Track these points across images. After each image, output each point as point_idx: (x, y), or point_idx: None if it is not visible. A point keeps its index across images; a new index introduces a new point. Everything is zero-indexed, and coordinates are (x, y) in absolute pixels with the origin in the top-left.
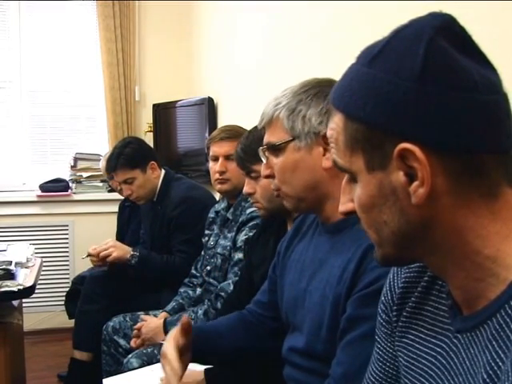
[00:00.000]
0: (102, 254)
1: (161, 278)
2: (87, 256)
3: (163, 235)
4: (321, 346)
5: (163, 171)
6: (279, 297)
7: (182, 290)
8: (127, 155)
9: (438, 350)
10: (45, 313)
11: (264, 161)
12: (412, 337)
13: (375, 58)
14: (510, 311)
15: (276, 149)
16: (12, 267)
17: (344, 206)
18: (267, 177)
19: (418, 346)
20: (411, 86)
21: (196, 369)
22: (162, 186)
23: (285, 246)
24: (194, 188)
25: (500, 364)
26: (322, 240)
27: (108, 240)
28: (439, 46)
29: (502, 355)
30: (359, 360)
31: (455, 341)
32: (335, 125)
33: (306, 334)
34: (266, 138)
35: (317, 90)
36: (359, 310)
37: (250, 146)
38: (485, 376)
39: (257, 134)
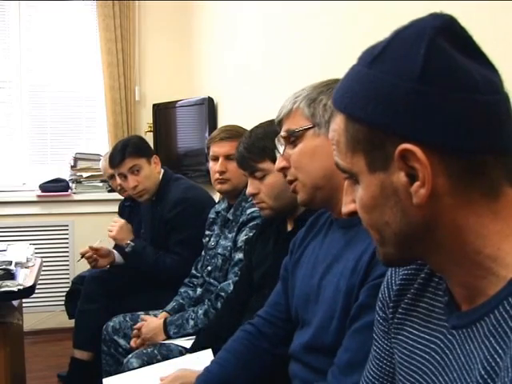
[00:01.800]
0: (108, 228)
1: (151, 274)
2: (82, 257)
3: (162, 236)
4: (329, 337)
5: (162, 170)
6: (290, 293)
7: (182, 289)
8: (134, 144)
9: (433, 346)
10: (45, 313)
11: (281, 151)
12: (407, 333)
13: (376, 58)
14: (508, 308)
15: (295, 136)
16: (12, 267)
17: (347, 207)
18: (282, 169)
19: (412, 342)
20: (412, 87)
21: (194, 369)
22: (161, 185)
23: (297, 243)
24: (191, 189)
25: (498, 360)
26: (336, 236)
27: (120, 220)
28: (440, 46)
29: (500, 351)
30: (366, 348)
31: (450, 337)
32: (337, 126)
33: (315, 326)
34: (285, 128)
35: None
36: (370, 298)
37: (253, 145)
38: (482, 372)
39: (259, 133)
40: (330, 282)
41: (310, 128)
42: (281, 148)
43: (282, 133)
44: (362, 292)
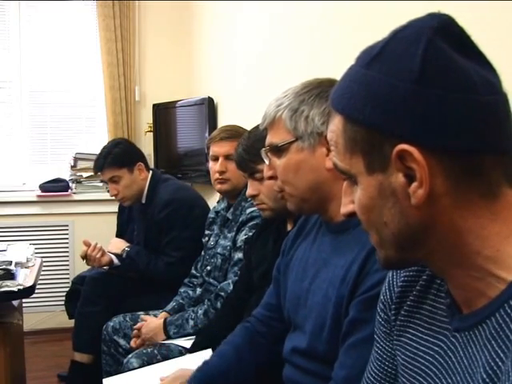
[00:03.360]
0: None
1: (145, 279)
2: (84, 258)
3: (153, 237)
4: (322, 346)
5: (150, 172)
6: (282, 295)
7: (182, 289)
8: (115, 154)
9: (436, 348)
10: (45, 313)
11: (266, 162)
12: (410, 335)
13: (374, 59)
14: (509, 311)
15: (279, 150)
16: (12, 267)
17: (345, 207)
18: (270, 178)
19: (415, 344)
20: (410, 88)
21: (194, 369)
22: (150, 187)
23: (289, 244)
24: (180, 189)
25: (500, 364)
26: (326, 240)
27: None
28: (438, 46)
29: (502, 355)
30: (362, 363)
31: (453, 339)
32: (335, 127)
33: (309, 334)
34: (269, 139)
35: (319, 90)
36: (362, 313)
37: (252, 146)
38: (484, 376)
39: (258, 134)
40: (318, 287)
41: (292, 142)
42: (266, 159)
43: (266, 146)
44: (353, 306)
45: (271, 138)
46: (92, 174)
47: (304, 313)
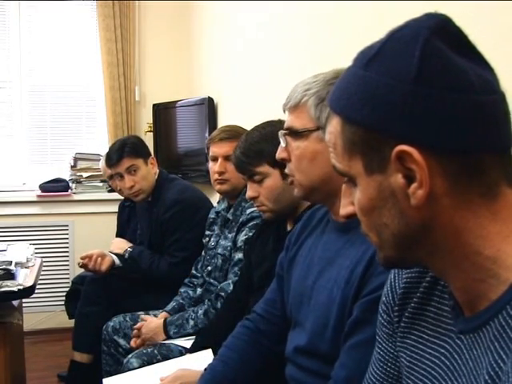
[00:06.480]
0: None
1: (147, 279)
2: (81, 266)
3: (158, 237)
4: (325, 345)
5: (157, 171)
6: (285, 291)
7: (182, 289)
8: (132, 144)
9: (441, 350)
10: (45, 313)
11: (283, 144)
12: (415, 337)
13: (371, 60)
14: (511, 312)
15: (298, 135)
16: (12, 267)
17: (345, 209)
18: (282, 160)
19: (420, 346)
20: (407, 88)
21: (194, 369)
22: (156, 186)
23: (293, 240)
24: (186, 190)
25: (502, 365)
26: (332, 238)
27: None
28: (435, 46)
29: (504, 356)
30: (363, 364)
31: (458, 342)
32: (333, 128)
33: (309, 332)
34: (289, 122)
35: None
36: (365, 314)
37: (250, 149)
38: (486, 377)
39: (255, 136)
40: (322, 286)
41: (313, 130)
42: (283, 141)
43: (286, 128)
44: (356, 307)
45: (292, 122)
46: (92, 173)
47: (306, 311)
